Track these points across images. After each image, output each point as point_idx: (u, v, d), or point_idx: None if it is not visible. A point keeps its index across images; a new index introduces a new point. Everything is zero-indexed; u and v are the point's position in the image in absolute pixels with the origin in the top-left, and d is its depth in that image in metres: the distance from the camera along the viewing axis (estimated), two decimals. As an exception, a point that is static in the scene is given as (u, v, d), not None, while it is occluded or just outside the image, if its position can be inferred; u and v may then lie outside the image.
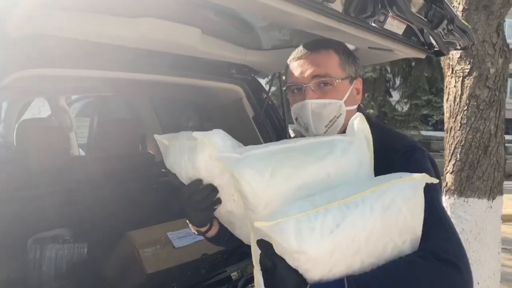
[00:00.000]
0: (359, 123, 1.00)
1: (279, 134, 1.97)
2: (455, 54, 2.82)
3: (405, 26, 1.27)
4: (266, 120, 1.96)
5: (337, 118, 1.10)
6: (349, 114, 1.10)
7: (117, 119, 3.14)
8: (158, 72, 1.70)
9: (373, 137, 1.08)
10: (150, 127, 3.02)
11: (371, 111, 12.28)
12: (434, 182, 0.93)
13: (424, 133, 13.08)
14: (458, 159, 2.69)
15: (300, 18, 1.01)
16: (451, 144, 2.78)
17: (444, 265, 0.87)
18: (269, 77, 2.20)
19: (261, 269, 0.92)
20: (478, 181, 2.64)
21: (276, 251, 0.86)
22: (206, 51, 1.66)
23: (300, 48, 1.17)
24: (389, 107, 13.08)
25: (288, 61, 1.19)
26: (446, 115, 2.98)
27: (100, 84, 2.07)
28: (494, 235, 2.65)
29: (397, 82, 13.70)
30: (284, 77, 1.23)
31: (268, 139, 1.95)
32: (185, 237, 1.90)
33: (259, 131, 1.94)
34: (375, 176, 1.00)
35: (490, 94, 2.67)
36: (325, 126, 1.10)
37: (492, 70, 2.66)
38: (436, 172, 1.09)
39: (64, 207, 1.90)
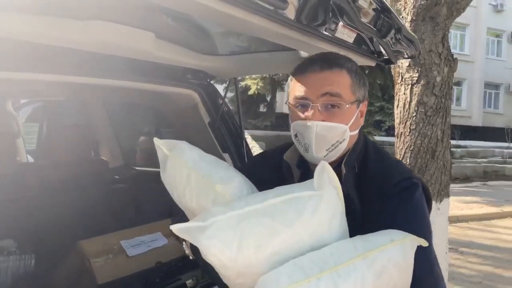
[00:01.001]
0: (325, 173, 0.93)
1: (235, 140, 1.98)
2: (404, 62, 2.94)
3: (355, 35, 1.31)
4: (222, 125, 1.95)
5: (340, 143, 1.03)
6: (352, 139, 1.06)
7: (68, 124, 3.03)
8: (111, 77, 1.66)
9: (369, 165, 1.06)
10: (103, 133, 2.94)
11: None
12: (424, 245, 0.88)
13: (377, 138, 13.54)
14: (408, 163, 2.80)
15: (253, 25, 1.02)
16: (401, 149, 2.89)
17: None
18: (227, 83, 2.21)
19: None
20: (426, 184, 2.76)
21: None
22: (160, 56, 1.64)
23: (310, 61, 1.07)
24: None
25: (292, 73, 1.09)
26: (397, 121, 3.09)
27: (51, 88, 2.00)
28: (442, 235, 2.78)
29: (352, 89, 14.14)
30: (287, 88, 1.13)
31: (224, 144, 1.95)
32: (139, 245, 1.85)
33: (215, 136, 1.93)
34: (367, 208, 0.98)
35: (437, 101, 2.81)
36: (326, 150, 1.03)
37: (438, 79, 2.80)
38: (429, 205, 1.06)
39: (10, 216, 1.81)
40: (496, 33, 24.24)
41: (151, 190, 2.51)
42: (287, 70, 1.93)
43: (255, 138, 11.28)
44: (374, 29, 1.27)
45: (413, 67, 2.87)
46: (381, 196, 0.99)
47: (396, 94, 3.10)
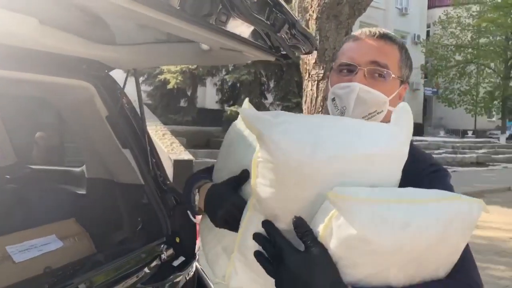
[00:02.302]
0: (407, 112, 0.87)
1: (137, 135, 1.89)
2: (310, 59, 3.04)
3: (251, 29, 1.31)
4: (122, 120, 1.86)
5: (378, 113, 1.02)
6: (387, 115, 1.02)
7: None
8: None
9: None
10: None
11: (247, 112, 12.70)
12: (486, 212, 0.84)
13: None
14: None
15: (137, 14, 0.96)
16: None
17: None
18: (131, 74, 2.10)
19: (282, 261, 0.76)
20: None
21: (322, 233, 0.74)
22: (47, 44, 1.50)
23: (365, 30, 1.08)
24: (264, 109, 13.68)
25: (346, 40, 1.11)
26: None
27: None
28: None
29: (271, 85, 14.42)
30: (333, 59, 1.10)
31: (124, 140, 1.86)
32: (29, 250, 1.70)
33: (114, 131, 1.83)
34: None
35: (341, 97, 2.94)
36: (363, 116, 1.00)
37: (342, 75, 2.93)
38: None
39: None
40: (402, 35, 26.22)
41: (47, 190, 2.34)
42: (189, 62, 1.90)
43: (176, 134, 11.04)
44: (268, 23, 1.27)
45: (319, 64, 2.98)
46: (416, 171, 0.94)
47: (304, 90, 3.20)
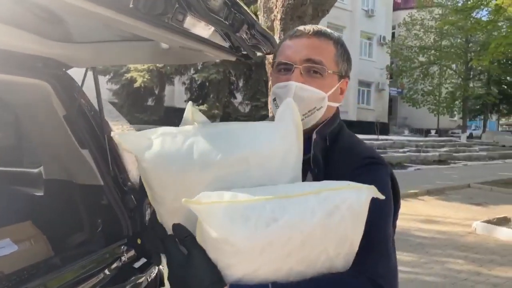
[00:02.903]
0: (288, 109, 0.91)
1: (96, 135, 1.85)
2: (276, 59, 3.06)
3: (209, 28, 1.30)
4: (80, 119, 1.81)
5: (317, 110, 1.04)
6: (329, 111, 1.07)
7: None
8: None
9: (344, 142, 1.06)
10: None
11: (216, 111, 12.65)
12: (381, 198, 0.82)
13: (264, 132, 14.01)
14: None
15: (86, 11, 0.94)
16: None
17: None
18: (91, 72, 2.05)
19: (169, 262, 0.80)
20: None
21: (198, 238, 0.76)
22: (0, 41, 1.45)
23: (299, 29, 1.09)
24: (233, 108, 13.69)
25: (281, 41, 1.13)
26: (270, 115, 3.21)
27: None
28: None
29: (240, 84, 14.43)
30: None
31: (82, 140, 1.81)
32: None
33: (72, 131, 1.79)
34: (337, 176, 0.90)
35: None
36: (303, 114, 1.01)
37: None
38: (396, 193, 1.02)
39: None
40: (368, 36, 26.81)
41: (2, 192, 2.25)
42: (150, 61, 1.88)
43: (143, 133, 10.88)
44: (226, 23, 1.27)
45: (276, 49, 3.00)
46: (348, 165, 0.97)
47: (269, 89, 3.22)
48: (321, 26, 1.14)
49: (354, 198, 0.80)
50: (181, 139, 0.84)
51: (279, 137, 0.87)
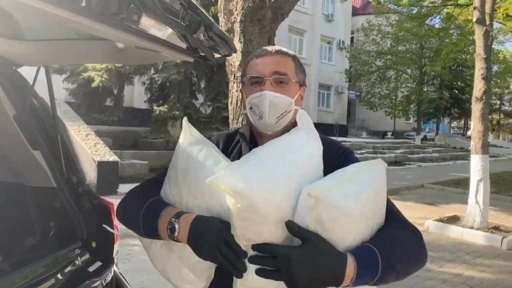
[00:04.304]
0: (305, 117, 1.16)
1: (49, 135, 1.80)
2: (235, 61, 3.07)
3: (166, 29, 1.30)
4: (32, 118, 1.75)
5: (287, 113, 1.23)
6: (294, 114, 1.25)
7: None
8: None
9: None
10: None
11: (177, 112, 12.50)
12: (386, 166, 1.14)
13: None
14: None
15: (35, 9, 0.92)
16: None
17: (414, 230, 1.10)
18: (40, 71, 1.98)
19: (290, 259, 0.92)
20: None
21: (311, 224, 0.94)
22: None
23: (265, 49, 1.31)
24: (194, 109, 13.55)
25: (250, 58, 1.33)
26: (230, 117, 3.22)
27: None
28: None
29: (202, 85, 14.33)
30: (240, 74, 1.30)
31: (34, 141, 1.75)
32: None
33: (22, 132, 1.72)
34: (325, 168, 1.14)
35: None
36: (277, 117, 1.21)
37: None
38: None
39: None
40: (328, 40, 27.36)
41: None
42: (106, 60, 1.83)
43: (101, 134, 10.57)
44: (183, 24, 1.27)
45: (243, 66, 3.01)
46: (331, 156, 1.18)
47: (230, 91, 3.23)
48: (281, 46, 1.37)
49: (381, 168, 1.10)
50: (252, 164, 1.03)
51: (310, 139, 1.13)
